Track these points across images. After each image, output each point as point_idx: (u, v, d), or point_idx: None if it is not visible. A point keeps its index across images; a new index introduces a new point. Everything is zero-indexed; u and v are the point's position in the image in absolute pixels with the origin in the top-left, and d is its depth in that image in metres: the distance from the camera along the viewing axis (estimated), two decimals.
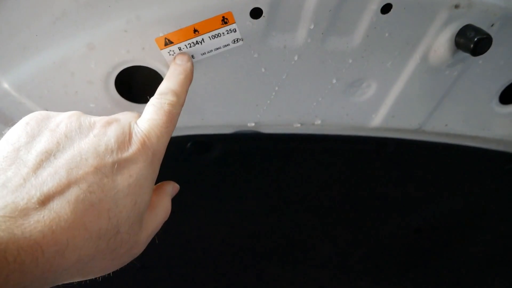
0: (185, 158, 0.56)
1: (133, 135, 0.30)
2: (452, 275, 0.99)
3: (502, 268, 1.00)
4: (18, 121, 0.30)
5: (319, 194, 0.72)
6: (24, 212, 0.23)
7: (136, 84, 0.46)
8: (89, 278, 0.29)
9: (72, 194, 0.25)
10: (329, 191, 0.72)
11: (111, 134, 0.29)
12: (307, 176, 0.67)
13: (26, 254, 0.22)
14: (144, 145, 0.30)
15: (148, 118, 0.32)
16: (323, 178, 0.68)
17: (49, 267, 0.23)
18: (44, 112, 0.31)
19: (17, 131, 0.28)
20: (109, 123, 0.30)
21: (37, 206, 0.24)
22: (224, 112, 0.49)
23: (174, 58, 0.39)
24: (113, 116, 0.32)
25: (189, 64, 0.38)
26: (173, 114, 0.33)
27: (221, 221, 0.73)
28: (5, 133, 0.29)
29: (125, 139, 0.29)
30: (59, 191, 0.25)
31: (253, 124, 0.52)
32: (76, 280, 0.28)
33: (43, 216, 0.23)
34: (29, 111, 0.29)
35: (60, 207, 0.24)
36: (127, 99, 0.45)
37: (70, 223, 0.24)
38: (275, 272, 0.88)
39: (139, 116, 0.33)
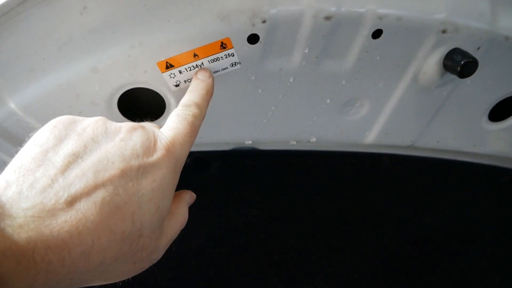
0: (185, 174, 0.57)
1: (158, 142, 0.31)
2: (448, 287, 0.99)
3: (497, 281, 1.00)
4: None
5: (316, 209, 0.73)
6: (52, 212, 0.23)
7: (138, 105, 0.47)
8: (110, 282, 0.29)
9: (99, 196, 0.25)
10: (325, 206, 0.73)
11: (136, 139, 0.30)
12: (304, 191, 0.68)
13: (53, 254, 0.22)
14: (168, 151, 0.30)
15: (173, 127, 0.33)
16: (319, 193, 0.69)
17: (74, 268, 0.24)
18: (70, 116, 0.31)
19: (45, 134, 0.29)
20: (134, 129, 0.31)
21: (65, 206, 0.24)
22: (223, 131, 0.51)
23: (196, 73, 0.40)
24: (137, 123, 0.33)
25: (210, 80, 0.39)
26: (196, 125, 0.34)
27: (219, 236, 0.74)
28: (32, 135, 0.29)
29: (150, 145, 0.30)
30: (86, 193, 0.25)
31: (250, 142, 0.53)
32: (98, 284, 0.28)
33: (70, 217, 0.24)
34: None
35: (86, 208, 0.25)
36: (129, 119, 0.47)
37: (96, 224, 0.25)
38: (273, 285, 0.89)
39: (160, 126, 0.34)
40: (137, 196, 0.27)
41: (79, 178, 0.26)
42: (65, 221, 0.23)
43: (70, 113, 0.44)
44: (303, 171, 0.65)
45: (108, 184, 0.26)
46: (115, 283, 0.31)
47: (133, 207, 0.27)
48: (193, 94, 0.37)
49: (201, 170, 0.59)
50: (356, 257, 0.87)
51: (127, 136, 0.30)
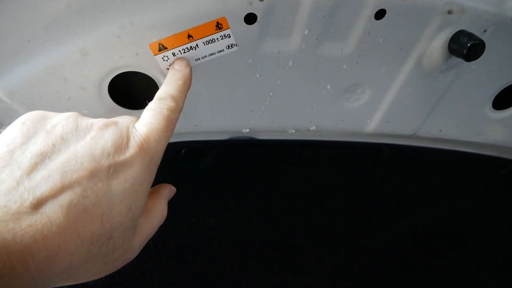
0: (180, 164, 0.55)
1: (131, 139, 0.30)
2: (448, 280, 0.99)
3: (498, 272, 1.00)
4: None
5: (314, 201, 0.72)
6: (16, 216, 0.23)
7: (129, 90, 0.45)
8: (80, 282, 0.28)
9: (66, 198, 0.25)
10: (324, 198, 0.71)
11: (108, 137, 0.29)
12: (302, 183, 0.67)
13: (16, 259, 0.22)
14: (141, 148, 0.30)
15: (147, 122, 0.32)
16: (318, 184, 0.68)
17: (39, 272, 0.23)
18: (41, 112, 0.30)
19: (13, 132, 0.28)
20: (106, 126, 0.30)
21: (29, 210, 0.23)
22: (219, 119, 0.49)
23: (173, 63, 0.39)
24: (110, 119, 0.31)
25: (187, 69, 0.38)
26: (172, 119, 0.33)
27: (215, 228, 0.72)
28: (0, 132, 0.28)
29: (122, 142, 0.29)
30: (52, 195, 0.24)
31: (247, 130, 0.51)
32: (67, 284, 0.28)
33: (35, 221, 0.23)
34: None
35: (52, 211, 0.24)
36: (120, 105, 0.45)
37: (62, 228, 0.24)
38: (271, 280, 0.87)
39: (137, 120, 0.33)
40: (107, 198, 0.27)
41: (45, 179, 0.25)
42: (30, 225, 0.23)
43: (58, 99, 0.43)
44: (302, 162, 0.63)
45: (75, 186, 0.26)
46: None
47: (102, 209, 0.26)
48: (169, 85, 0.36)
49: (196, 160, 0.57)
50: (355, 250, 0.86)
51: (98, 134, 0.29)
